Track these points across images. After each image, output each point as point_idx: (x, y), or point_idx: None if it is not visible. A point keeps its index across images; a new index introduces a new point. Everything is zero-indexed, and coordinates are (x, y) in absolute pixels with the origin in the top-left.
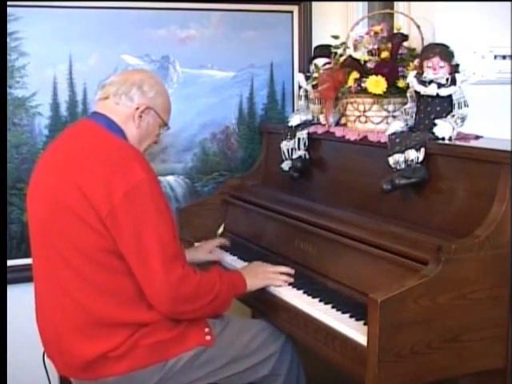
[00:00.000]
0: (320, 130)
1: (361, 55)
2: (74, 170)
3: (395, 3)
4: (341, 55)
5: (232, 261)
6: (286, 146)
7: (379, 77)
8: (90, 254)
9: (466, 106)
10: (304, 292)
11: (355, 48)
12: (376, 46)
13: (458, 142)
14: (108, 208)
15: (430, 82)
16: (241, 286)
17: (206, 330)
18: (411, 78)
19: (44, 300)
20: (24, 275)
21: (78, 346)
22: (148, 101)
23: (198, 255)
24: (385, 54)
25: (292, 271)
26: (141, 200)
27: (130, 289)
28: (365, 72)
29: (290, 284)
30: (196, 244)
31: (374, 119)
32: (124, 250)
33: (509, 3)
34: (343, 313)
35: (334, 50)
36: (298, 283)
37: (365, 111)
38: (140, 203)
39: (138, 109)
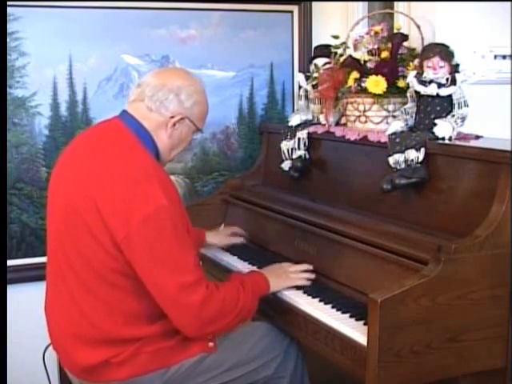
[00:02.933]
0: (320, 129)
1: (361, 55)
2: (92, 184)
3: (395, 3)
4: (341, 55)
5: (232, 261)
6: (286, 145)
7: (379, 77)
8: (100, 272)
9: (466, 105)
10: (304, 292)
11: (355, 48)
12: (376, 46)
13: (458, 142)
14: (124, 233)
15: (430, 81)
16: (264, 288)
17: (209, 336)
18: (411, 78)
19: (52, 302)
20: (24, 275)
21: (80, 353)
22: (184, 110)
23: (218, 238)
24: (385, 54)
25: (310, 266)
26: (158, 227)
27: (138, 307)
28: (365, 72)
29: None
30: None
31: (373, 119)
32: (140, 274)
33: (509, 3)
34: (343, 313)
35: (334, 50)
36: None
37: (365, 111)
38: (157, 230)
39: (172, 118)
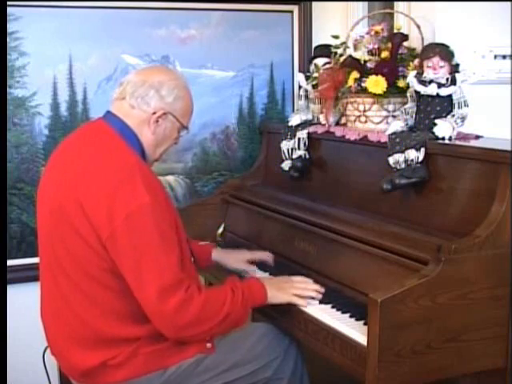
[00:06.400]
0: (320, 129)
1: (361, 55)
2: (77, 184)
3: (395, 3)
4: (341, 55)
5: None
6: (286, 145)
7: (379, 77)
8: (90, 272)
9: (466, 105)
10: None
11: (355, 48)
12: (376, 46)
13: (458, 142)
14: (108, 231)
15: (430, 81)
16: (259, 297)
17: (207, 337)
18: (411, 78)
19: (47, 305)
20: (24, 275)
21: (77, 355)
22: (166, 106)
23: (231, 260)
24: (385, 54)
25: (322, 289)
26: (142, 224)
27: (130, 307)
28: (365, 72)
29: None
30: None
31: (374, 119)
32: (123, 273)
33: (509, 3)
34: (343, 313)
35: (334, 50)
36: None
37: (365, 111)
38: (141, 228)
39: (154, 114)
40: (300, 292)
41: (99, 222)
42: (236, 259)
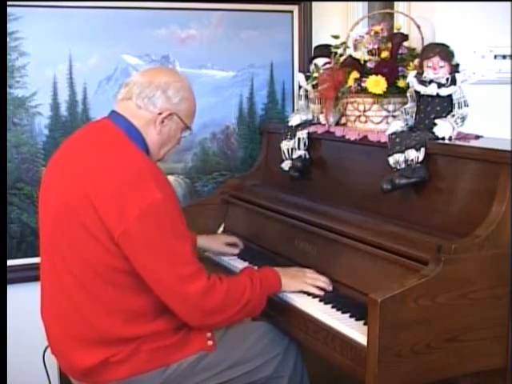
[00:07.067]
0: (320, 129)
1: (361, 55)
2: (86, 182)
3: (395, 3)
4: (341, 55)
5: (232, 260)
6: (286, 145)
7: (379, 77)
8: (98, 270)
9: (466, 105)
10: (304, 292)
11: (355, 48)
12: (376, 46)
13: (458, 142)
14: (121, 229)
15: (430, 81)
16: (275, 286)
17: (208, 334)
18: (411, 78)
19: (48, 304)
20: (24, 275)
21: (79, 355)
22: (172, 106)
23: (213, 244)
24: (385, 54)
25: (330, 285)
26: (155, 220)
27: (137, 305)
28: (365, 72)
29: None
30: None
31: (374, 119)
32: (139, 270)
33: (509, 3)
34: (343, 313)
35: (334, 50)
36: None
37: (365, 111)
38: (154, 224)
39: (160, 114)
40: (312, 282)
41: (111, 219)
42: (219, 243)
